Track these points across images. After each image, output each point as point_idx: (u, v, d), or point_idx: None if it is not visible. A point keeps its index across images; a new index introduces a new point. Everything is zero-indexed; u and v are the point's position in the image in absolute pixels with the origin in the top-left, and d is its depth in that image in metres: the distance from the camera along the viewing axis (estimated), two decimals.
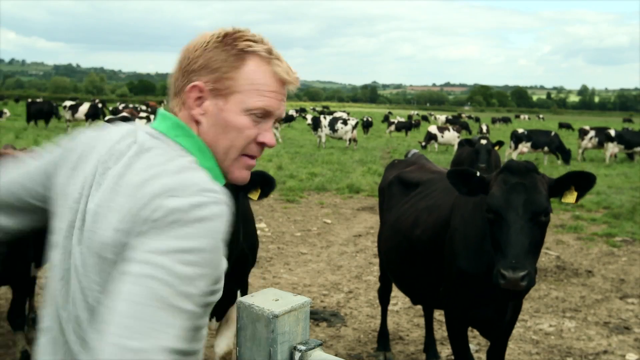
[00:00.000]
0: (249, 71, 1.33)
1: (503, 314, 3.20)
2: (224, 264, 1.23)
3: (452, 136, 24.78)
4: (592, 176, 2.91)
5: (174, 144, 1.30)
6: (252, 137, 1.36)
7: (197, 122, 1.34)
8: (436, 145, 25.32)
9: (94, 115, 27.38)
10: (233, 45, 1.33)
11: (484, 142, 10.40)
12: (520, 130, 20.72)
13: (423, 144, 24.82)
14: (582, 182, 2.92)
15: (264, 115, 1.36)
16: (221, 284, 1.25)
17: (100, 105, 32.02)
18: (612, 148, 21.67)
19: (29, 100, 34.34)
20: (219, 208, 1.16)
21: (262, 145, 1.39)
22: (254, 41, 1.35)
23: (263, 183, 3.10)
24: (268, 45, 1.38)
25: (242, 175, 1.40)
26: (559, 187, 2.94)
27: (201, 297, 1.12)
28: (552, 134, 20.85)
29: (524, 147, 20.18)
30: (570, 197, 2.93)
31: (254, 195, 3.12)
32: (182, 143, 1.31)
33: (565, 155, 20.02)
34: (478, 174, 3.05)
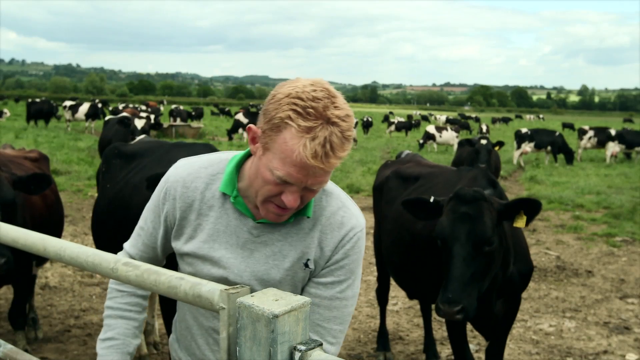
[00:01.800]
0: (282, 139, 1.39)
1: (490, 306, 3.21)
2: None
3: (450, 136, 24.80)
4: (538, 203, 2.95)
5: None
6: (273, 193, 1.47)
7: (254, 154, 1.53)
8: (435, 145, 25.30)
9: (94, 115, 27.42)
10: (283, 110, 1.39)
11: (484, 142, 10.41)
12: (524, 130, 20.68)
13: (421, 141, 24.85)
14: (529, 208, 2.96)
15: (284, 181, 1.43)
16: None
17: (100, 105, 32.05)
18: (613, 147, 21.67)
19: (29, 100, 34.35)
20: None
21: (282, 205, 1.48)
22: (299, 113, 1.37)
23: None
24: (313, 118, 1.36)
25: (268, 217, 1.54)
26: (508, 212, 2.98)
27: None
28: (557, 134, 20.82)
29: (527, 146, 20.15)
30: (520, 222, 2.98)
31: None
32: (235, 157, 1.62)
33: (569, 155, 20.00)
34: (432, 199, 3.12)
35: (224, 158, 1.65)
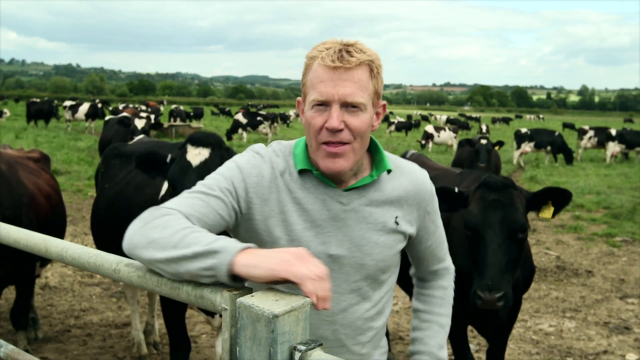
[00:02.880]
0: (309, 74, 1.55)
1: (495, 312, 3.21)
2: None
3: (448, 136, 24.90)
4: (568, 193, 2.93)
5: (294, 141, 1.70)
6: (318, 125, 1.53)
7: (303, 118, 1.62)
8: (430, 145, 25.22)
9: (94, 115, 27.42)
10: (307, 57, 1.57)
11: (484, 142, 10.41)
12: (524, 130, 20.68)
13: (422, 142, 24.86)
14: (559, 198, 2.93)
15: (322, 103, 1.52)
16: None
17: (100, 105, 32.06)
18: (613, 147, 21.66)
19: (30, 100, 34.36)
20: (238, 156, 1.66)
21: (329, 130, 1.51)
22: (319, 45, 1.55)
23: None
24: (332, 44, 1.54)
25: (325, 164, 1.54)
26: (536, 202, 2.96)
27: None
28: (556, 134, 20.81)
29: (527, 146, 20.15)
30: (547, 212, 2.95)
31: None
32: (298, 141, 1.68)
33: (568, 155, 19.99)
34: (456, 189, 3.07)
35: (288, 145, 1.69)
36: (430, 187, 1.76)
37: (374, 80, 1.54)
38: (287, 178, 1.60)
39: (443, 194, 3.12)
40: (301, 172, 1.60)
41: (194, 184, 2.79)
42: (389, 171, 1.64)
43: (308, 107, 1.55)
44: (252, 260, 1.23)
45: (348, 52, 1.50)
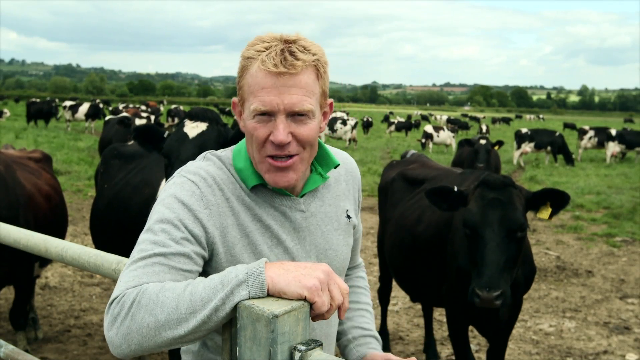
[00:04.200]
0: (247, 77, 1.38)
1: (496, 312, 3.21)
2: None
3: (446, 136, 24.99)
4: (567, 196, 2.95)
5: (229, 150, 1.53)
6: (262, 137, 1.38)
7: (241, 124, 1.47)
8: (430, 145, 25.23)
9: (94, 115, 27.47)
10: (243, 56, 1.40)
11: (483, 142, 10.42)
12: (524, 130, 20.68)
13: (423, 141, 24.88)
14: (558, 199, 2.95)
15: (265, 113, 1.36)
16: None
17: (101, 105, 32.10)
18: (613, 147, 21.66)
19: (30, 100, 34.39)
20: (173, 180, 1.42)
21: (275, 143, 1.36)
22: (255, 43, 1.38)
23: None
24: (271, 42, 1.36)
25: (273, 179, 1.41)
26: (535, 202, 2.98)
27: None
28: (557, 134, 20.81)
29: (527, 147, 20.14)
30: (545, 213, 2.97)
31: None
32: (233, 149, 1.51)
33: (568, 156, 19.98)
34: (456, 188, 3.07)
35: (225, 156, 1.51)
36: (359, 172, 1.71)
37: (321, 80, 1.40)
38: (239, 194, 1.44)
39: (442, 192, 3.12)
40: (253, 187, 1.45)
41: (189, 153, 2.80)
42: (336, 166, 1.55)
43: (248, 116, 1.39)
44: (284, 278, 1.18)
45: (292, 52, 1.34)
